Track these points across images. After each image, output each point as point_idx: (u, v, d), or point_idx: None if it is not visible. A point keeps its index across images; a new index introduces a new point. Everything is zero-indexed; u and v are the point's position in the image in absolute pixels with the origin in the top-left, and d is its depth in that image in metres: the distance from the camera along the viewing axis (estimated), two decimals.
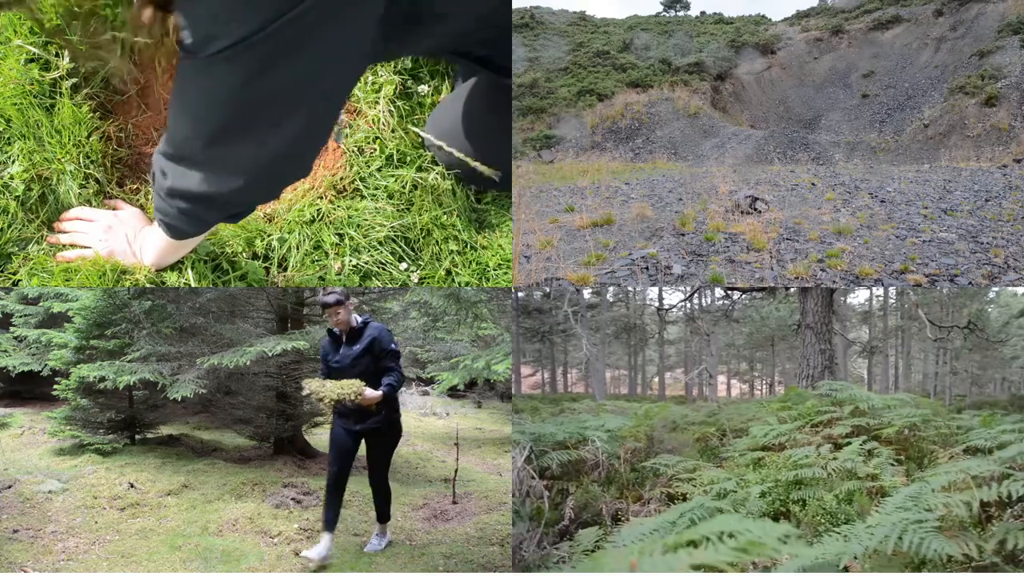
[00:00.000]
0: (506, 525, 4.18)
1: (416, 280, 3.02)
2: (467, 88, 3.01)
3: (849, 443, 3.61)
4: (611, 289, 24.13)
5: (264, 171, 2.36)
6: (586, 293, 22.20)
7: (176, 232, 2.67)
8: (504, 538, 3.96)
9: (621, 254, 5.92)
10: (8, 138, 3.01)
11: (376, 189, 3.12)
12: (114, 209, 3.01)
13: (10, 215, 2.95)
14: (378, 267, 3.02)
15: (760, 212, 7.93)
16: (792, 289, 10.22)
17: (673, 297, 22.98)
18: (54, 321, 8.15)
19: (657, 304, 22.43)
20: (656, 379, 25.52)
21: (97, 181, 3.02)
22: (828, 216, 7.85)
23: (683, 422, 5.16)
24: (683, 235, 6.66)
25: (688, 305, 19.96)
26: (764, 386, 26.26)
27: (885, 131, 21.18)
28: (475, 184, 3.16)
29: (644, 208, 8.07)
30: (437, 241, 3.08)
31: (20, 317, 8.63)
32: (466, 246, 3.11)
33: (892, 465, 3.28)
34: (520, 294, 23.23)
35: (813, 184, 11.08)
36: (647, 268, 5.42)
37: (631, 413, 5.59)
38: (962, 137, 18.31)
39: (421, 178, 3.13)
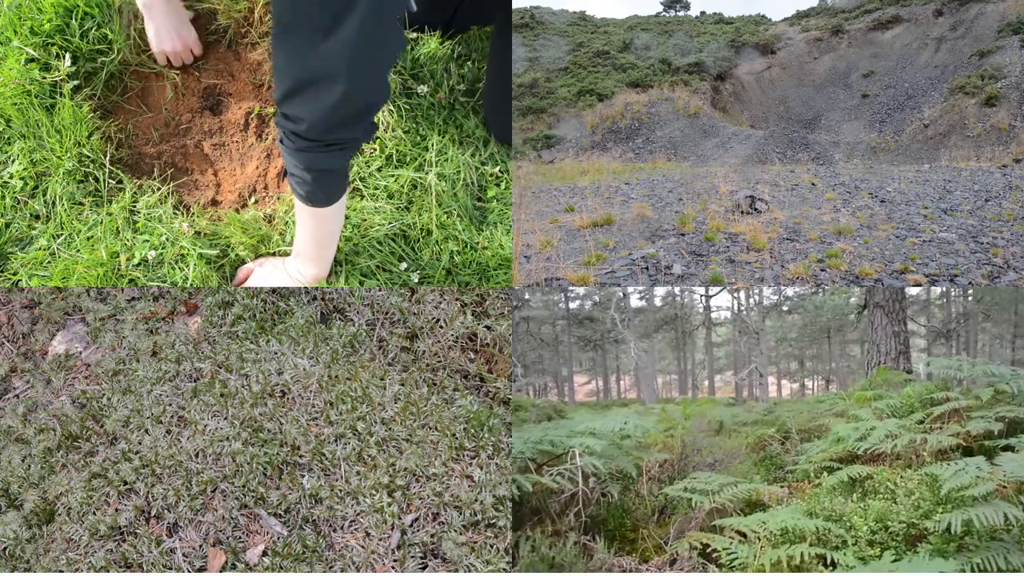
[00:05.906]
0: None
1: (416, 280, 3.02)
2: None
3: (1009, 446, 2.33)
4: (659, 293, 23.56)
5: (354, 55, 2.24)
6: (633, 299, 21.71)
7: (312, 196, 2.60)
8: None
9: (621, 254, 5.91)
10: (8, 138, 3.01)
11: (376, 189, 3.12)
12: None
13: (9, 215, 2.95)
14: (378, 267, 3.02)
15: (760, 212, 7.93)
16: None
17: (721, 298, 22.34)
18: None
19: (704, 304, 21.88)
20: (706, 382, 25.04)
21: (96, 180, 3.03)
22: (828, 216, 7.85)
23: (732, 423, 4.08)
24: (683, 235, 6.66)
25: (736, 302, 19.46)
26: (815, 385, 25.31)
27: (885, 131, 21.18)
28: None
29: (644, 208, 8.07)
30: (437, 241, 3.08)
31: None
32: (466, 246, 3.11)
33: None
34: (572, 304, 22.99)
35: (813, 184, 11.07)
36: (647, 268, 5.41)
37: (658, 411, 4.48)
38: (962, 137, 18.31)
39: (421, 178, 3.13)
